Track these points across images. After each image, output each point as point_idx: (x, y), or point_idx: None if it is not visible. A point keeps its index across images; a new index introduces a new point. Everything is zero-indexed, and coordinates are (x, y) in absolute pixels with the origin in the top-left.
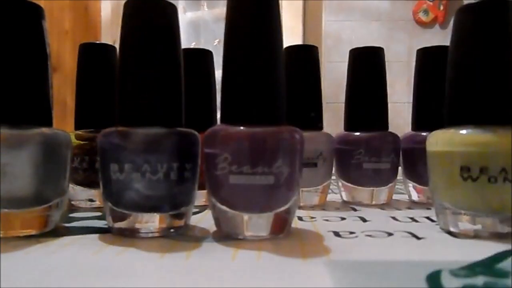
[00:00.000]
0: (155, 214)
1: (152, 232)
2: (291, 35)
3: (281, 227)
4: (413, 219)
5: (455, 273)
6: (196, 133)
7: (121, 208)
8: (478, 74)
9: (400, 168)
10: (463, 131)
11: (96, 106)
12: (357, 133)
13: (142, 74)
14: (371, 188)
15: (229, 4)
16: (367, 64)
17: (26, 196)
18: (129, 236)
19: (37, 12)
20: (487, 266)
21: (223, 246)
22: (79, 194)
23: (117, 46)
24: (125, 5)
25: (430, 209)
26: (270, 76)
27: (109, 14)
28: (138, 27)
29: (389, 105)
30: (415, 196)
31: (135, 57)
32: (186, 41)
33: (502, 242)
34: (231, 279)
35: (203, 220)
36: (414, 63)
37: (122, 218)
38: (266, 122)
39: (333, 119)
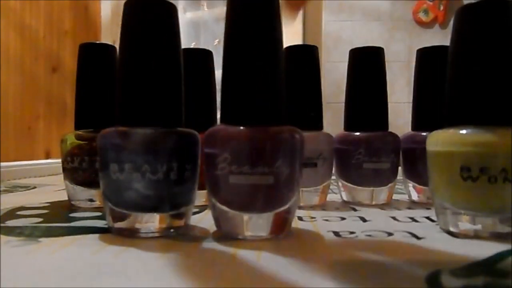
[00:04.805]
0: (155, 214)
1: (152, 232)
2: (291, 35)
3: (281, 227)
4: (413, 219)
5: (455, 273)
6: (196, 133)
7: (121, 208)
8: (478, 74)
9: (400, 168)
10: (463, 131)
11: (96, 106)
12: (357, 133)
13: (142, 74)
14: (371, 188)
15: (229, 4)
16: (367, 64)
17: None
18: (129, 236)
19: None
20: (487, 266)
21: (223, 246)
22: (79, 194)
23: (117, 46)
24: (125, 5)
25: (430, 209)
26: (271, 76)
27: (109, 14)
28: (138, 27)
29: (389, 105)
30: (415, 196)
31: (135, 57)
32: (186, 41)
33: (502, 242)
34: (231, 279)
35: (203, 220)
36: (414, 63)
37: (122, 218)
38: (266, 122)
39: (333, 119)
